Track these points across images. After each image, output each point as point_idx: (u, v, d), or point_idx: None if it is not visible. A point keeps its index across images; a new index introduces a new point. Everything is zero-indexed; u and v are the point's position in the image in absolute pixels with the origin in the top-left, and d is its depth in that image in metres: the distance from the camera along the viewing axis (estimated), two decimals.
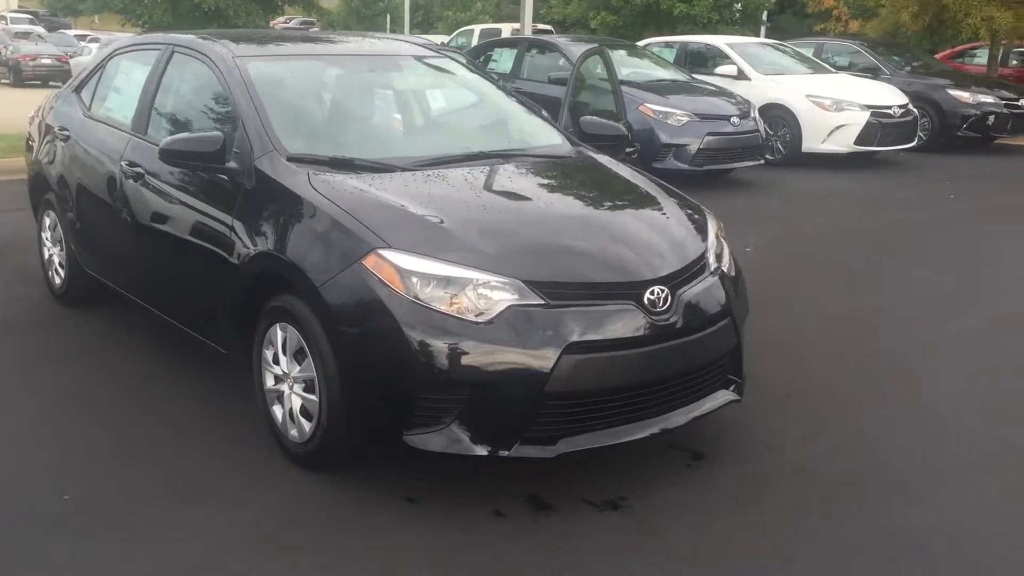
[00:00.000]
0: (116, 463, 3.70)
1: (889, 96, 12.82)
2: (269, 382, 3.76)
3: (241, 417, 4.02)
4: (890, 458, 3.83)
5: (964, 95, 14.17)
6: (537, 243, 3.47)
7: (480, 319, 3.17)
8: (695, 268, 3.63)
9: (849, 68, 15.20)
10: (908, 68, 15.44)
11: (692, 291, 3.55)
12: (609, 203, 4.01)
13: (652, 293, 3.38)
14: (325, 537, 3.20)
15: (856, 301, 6.19)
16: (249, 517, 3.31)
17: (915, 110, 12.98)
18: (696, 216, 4.00)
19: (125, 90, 5.07)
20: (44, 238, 5.79)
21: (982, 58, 18.92)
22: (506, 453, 3.23)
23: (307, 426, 3.54)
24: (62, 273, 5.58)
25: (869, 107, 12.31)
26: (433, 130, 4.54)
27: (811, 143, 12.29)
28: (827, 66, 14.35)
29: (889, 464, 3.77)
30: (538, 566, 3.05)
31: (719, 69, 13.16)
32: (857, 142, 12.27)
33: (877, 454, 3.87)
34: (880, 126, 12.35)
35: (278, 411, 3.73)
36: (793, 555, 3.14)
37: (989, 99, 14.21)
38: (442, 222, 3.43)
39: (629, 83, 10.62)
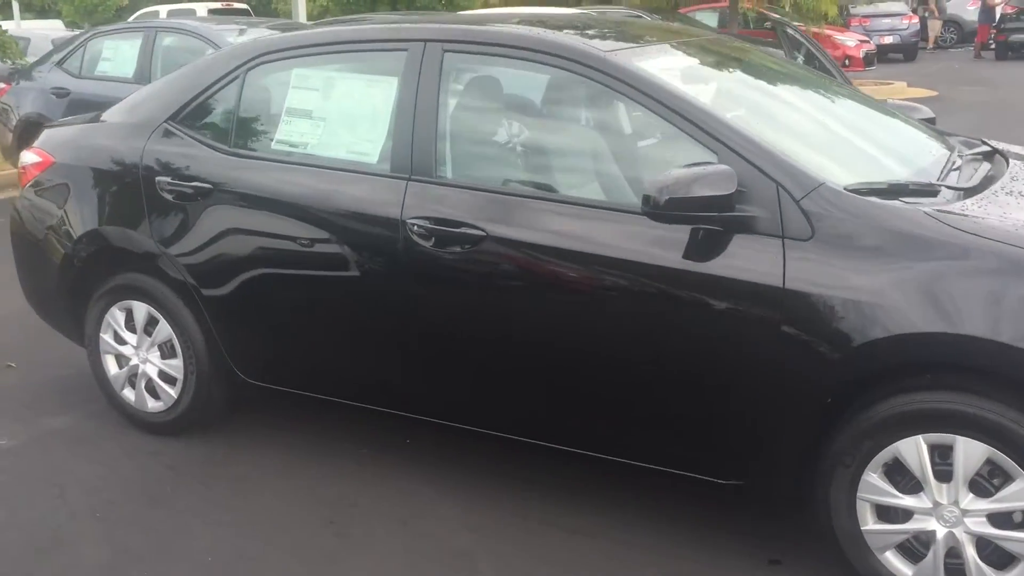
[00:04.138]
0: None
1: None
2: (869, 521, 2.61)
3: None
4: None
5: None
6: None
7: None
8: None
9: None
10: None
11: None
12: None
13: None
14: None
15: None
16: None
17: None
18: None
19: (326, 114, 3.38)
20: (108, 341, 3.86)
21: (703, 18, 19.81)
22: None
23: None
24: (172, 390, 3.74)
25: None
26: (861, 131, 3.42)
27: None
28: None
29: None
30: None
31: None
32: None
33: None
34: None
35: (899, 562, 2.60)
36: None
37: None
38: None
39: None
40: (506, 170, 3.17)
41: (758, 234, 2.62)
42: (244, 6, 23.21)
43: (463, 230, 2.98)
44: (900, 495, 2.56)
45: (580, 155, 3.13)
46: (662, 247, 2.71)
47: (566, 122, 3.23)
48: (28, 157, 4.04)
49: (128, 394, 3.87)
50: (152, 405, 3.82)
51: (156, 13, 20.80)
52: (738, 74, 3.43)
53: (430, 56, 3.17)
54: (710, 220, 2.63)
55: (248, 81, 3.54)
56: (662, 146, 2.92)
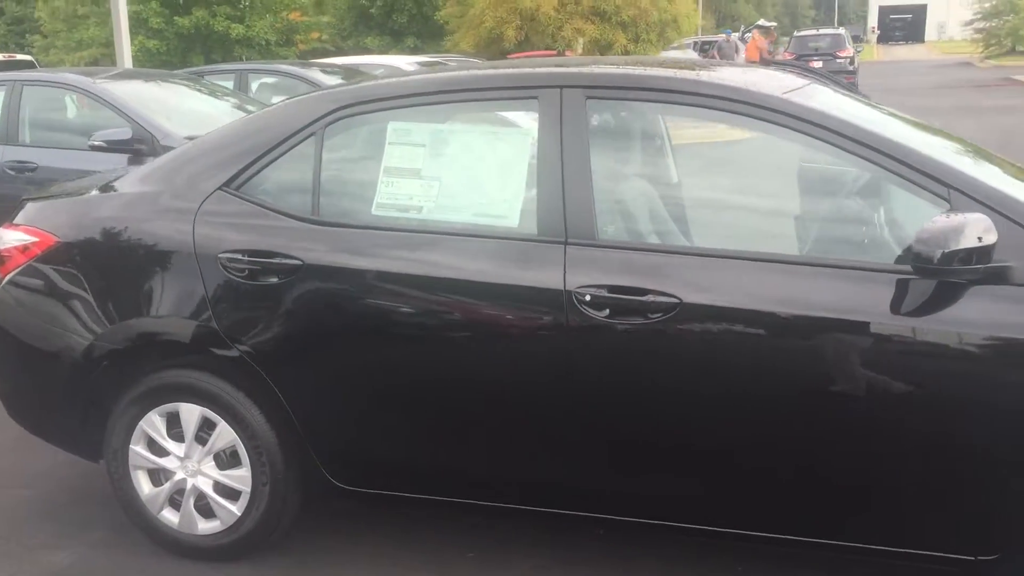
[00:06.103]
0: None
1: None
2: None
3: None
4: None
5: None
6: None
7: None
8: None
9: None
10: None
11: None
12: None
13: None
14: None
15: None
16: None
17: None
18: None
19: (439, 173, 2.92)
20: (141, 454, 3.18)
21: None
22: None
23: None
24: (234, 506, 3.12)
25: None
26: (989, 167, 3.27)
27: None
28: None
29: None
30: None
31: None
32: None
33: None
34: None
35: None
36: None
37: None
38: None
39: None
40: (690, 227, 2.84)
41: (1014, 285, 2.44)
42: (29, 58, 21.38)
43: (649, 298, 2.63)
44: None
45: (781, 207, 2.86)
46: (909, 306, 2.47)
47: (744, 171, 2.95)
48: (11, 237, 3.30)
49: (169, 516, 3.21)
50: (204, 527, 3.18)
51: None
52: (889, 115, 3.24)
53: (571, 103, 2.80)
54: (974, 273, 2.41)
55: (328, 137, 3.03)
56: (869, 193, 2.69)
